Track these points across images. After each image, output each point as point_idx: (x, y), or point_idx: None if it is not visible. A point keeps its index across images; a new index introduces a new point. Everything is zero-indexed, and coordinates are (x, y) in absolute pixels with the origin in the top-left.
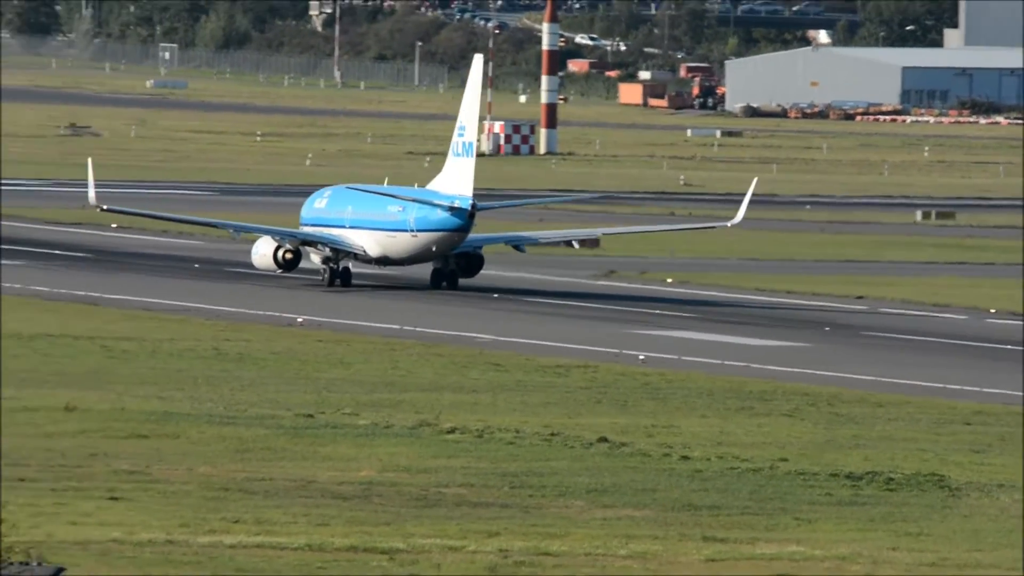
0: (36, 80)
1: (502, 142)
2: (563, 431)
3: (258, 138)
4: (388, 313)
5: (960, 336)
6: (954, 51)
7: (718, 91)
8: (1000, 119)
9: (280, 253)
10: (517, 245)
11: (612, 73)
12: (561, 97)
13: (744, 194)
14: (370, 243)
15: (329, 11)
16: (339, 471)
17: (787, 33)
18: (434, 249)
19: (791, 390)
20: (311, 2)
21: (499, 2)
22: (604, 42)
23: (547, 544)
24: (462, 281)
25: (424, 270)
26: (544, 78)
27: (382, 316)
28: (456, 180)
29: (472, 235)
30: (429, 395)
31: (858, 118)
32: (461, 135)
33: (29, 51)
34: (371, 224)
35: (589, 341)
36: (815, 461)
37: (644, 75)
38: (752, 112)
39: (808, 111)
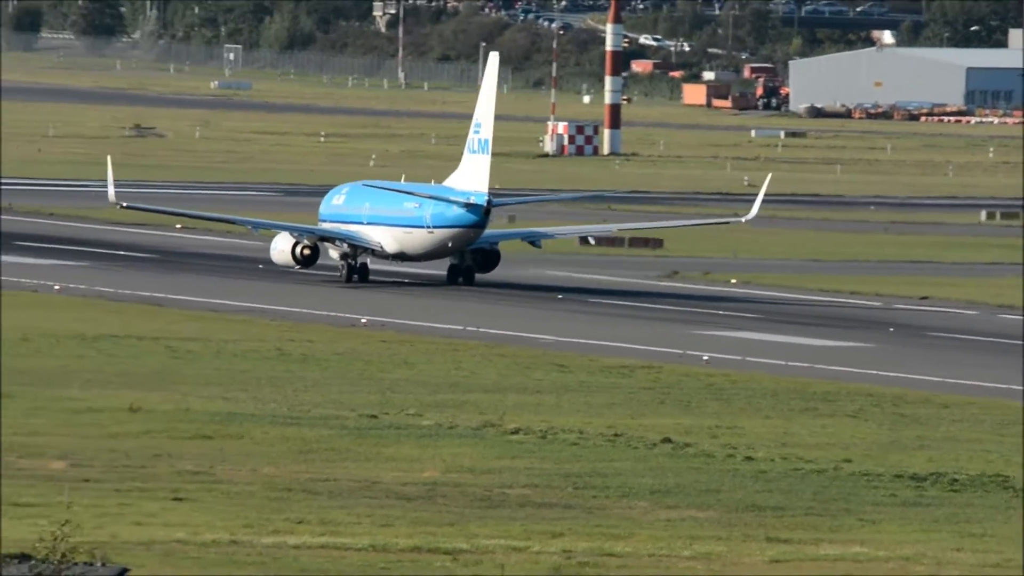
0: (101, 81)
1: (566, 143)
2: (627, 432)
3: (322, 139)
4: (451, 314)
5: None
6: (1019, 51)
7: (782, 92)
8: None
9: (298, 249)
10: (533, 241)
11: (676, 74)
12: (625, 98)
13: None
14: (387, 239)
15: (393, 12)
16: (403, 472)
17: (851, 33)
18: (450, 245)
19: (855, 391)
20: (375, 3)
21: (563, 3)
22: (668, 43)
23: (611, 545)
24: (479, 276)
25: (442, 266)
26: (608, 79)
27: (445, 317)
28: (472, 176)
29: (488, 231)
30: (493, 396)
31: (922, 119)
32: (477, 132)
33: (94, 52)
34: (388, 220)
35: (653, 342)
36: (879, 462)
37: (708, 76)
38: (816, 113)
39: (872, 112)
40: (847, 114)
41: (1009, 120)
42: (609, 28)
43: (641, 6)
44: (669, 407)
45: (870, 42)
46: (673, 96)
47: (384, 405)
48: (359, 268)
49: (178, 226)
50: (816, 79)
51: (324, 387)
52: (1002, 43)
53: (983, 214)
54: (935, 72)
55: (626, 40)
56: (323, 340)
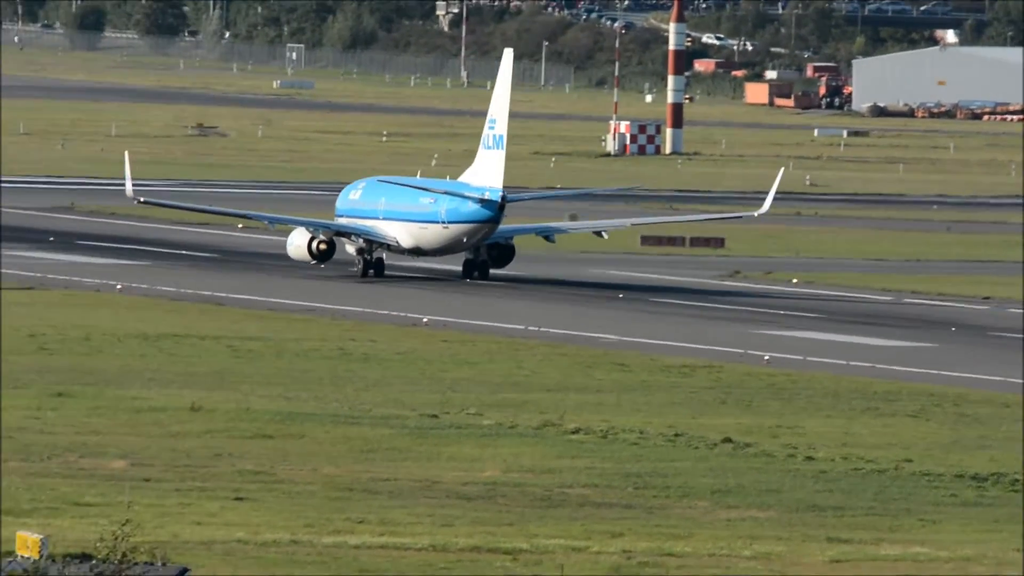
0: (164, 81)
1: (628, 142)
2: (687, 431)
3: (384, 138)
4: (513, 313)
5: None
6: None
7: (845, 91)
8: None
9: (314, 244)
10: (547, 236)
11: (738, 73)
12: (687, 97)
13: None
14: (403, 234)
15: (456, 11)
16: (463, 471)
17: (914, 32)
18: (465, 240)
19: (917, 390)
20: (438, 2)
21: (626, 2)
22: (730, 42)
23: (671, 545)
24: (494, 271)
25: (458, 261)
26: (670, 78)
27: (507, 316)
28: (486, 172)
29: (503, 226)
30: (553, 395)
31: (985, 118)
32: (492, 128)
33: (157, 52)
34: (403, 216)
35: (714, 341)
36: (940, 462)
37: (770, 75)
38: (879, 112)
39: (935, 111)
40: (910, 113)
41: None
42: (672, 27)
43: (704, 5)
44: (730, 407)
45: (933, 41)
46: (735, 95)
47: (445, 405)
48: (375, 263)
49: (240, 225)
50: (879, 78)
51: (385, 387)
52: None
53: None
54: (998, 71)
55: (689, 39)
56: (385, 339)
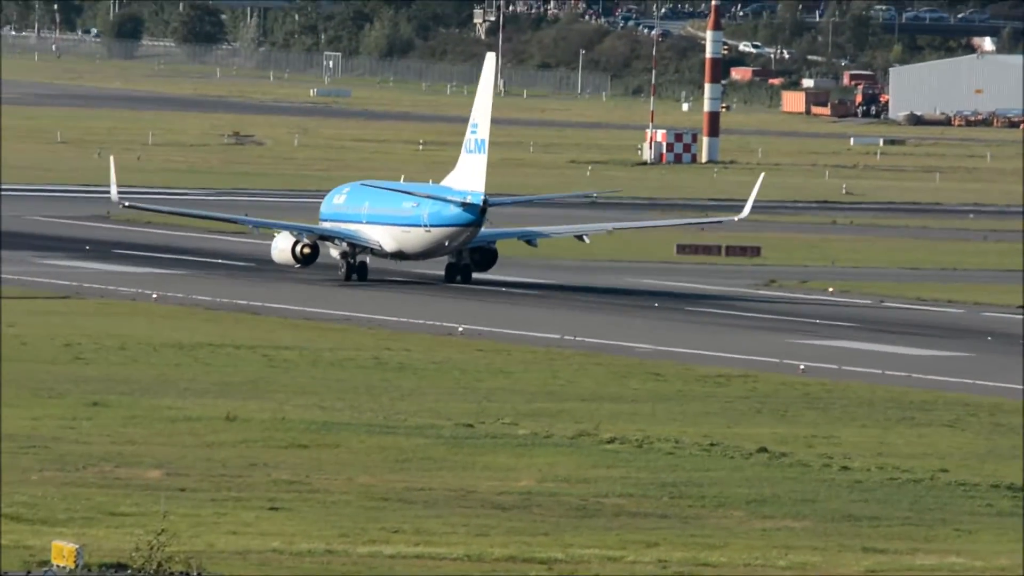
0: (200, 89)
1: (664, 151)
2: (723, 441)
3: (420, 147)
4: (548, 323)
5: None
6: None
7: (881, 99)
8: None
9: (298, 248)
10: (529, 240)
11: (775, 81)
12: (724, 105)
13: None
14: (386, 238)
15: (493, 19)
16: (498, 481)
17: (952, 40)
18: (447, 244)
19: (952, 400)
20: (475, 10)
21: (663, 10)
22: (767, 50)
23: (706, 555)
24: (476, 275)
25: (440, 265)
26: (707, 86)
27: (542, 326)
28: (469, 176)
29: (485, 230)
30: (589, 405)
31: (1022, 126)
32: (474, 132)
33: (194, 60)
34: (387, 220)
35: (750, 351)
36: (976, 472)
37: (807, 83)
38: (916, 120)
39: (972, 119)
40: (947, 121)
41: None
42: (709, 35)
43: (741, 13)
44: (765, 416)
45: (970, 49)
46: (772, 103)
47: (480, 414)
48: (358, 267)
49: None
50: (916, 86)
51: (420, 396)
52: None
53: None
54: None
55: (725, 47)
56: (420, 349)
